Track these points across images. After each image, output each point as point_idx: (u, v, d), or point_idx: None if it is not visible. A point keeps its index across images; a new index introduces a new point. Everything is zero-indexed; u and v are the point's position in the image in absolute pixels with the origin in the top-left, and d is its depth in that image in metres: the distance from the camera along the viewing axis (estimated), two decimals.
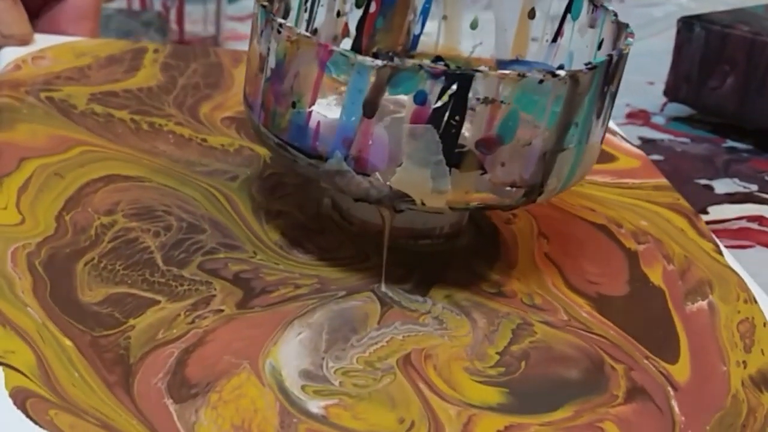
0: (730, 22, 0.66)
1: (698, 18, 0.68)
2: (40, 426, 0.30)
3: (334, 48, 0.33)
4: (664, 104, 0.71)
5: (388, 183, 0.33)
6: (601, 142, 0.37)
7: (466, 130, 0.32)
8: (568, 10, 0.42)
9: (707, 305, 0.39)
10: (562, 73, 0.33)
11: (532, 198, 0.35)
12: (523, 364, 0.36)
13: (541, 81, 0.32)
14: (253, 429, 0.32)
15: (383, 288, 0.38)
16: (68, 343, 0.34)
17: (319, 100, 0.33)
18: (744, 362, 0.36)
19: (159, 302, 0.36)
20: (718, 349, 0.37)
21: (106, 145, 0.46)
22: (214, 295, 0.37)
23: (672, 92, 0.69)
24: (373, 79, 0.32)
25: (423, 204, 0.33)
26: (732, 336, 0.37)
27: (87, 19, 0.56)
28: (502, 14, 0.44)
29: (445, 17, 0.45)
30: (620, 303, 0.39)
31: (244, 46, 0.48)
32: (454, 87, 0.31)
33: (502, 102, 0.32)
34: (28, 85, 0.49)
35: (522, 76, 0.32)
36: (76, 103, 0.48)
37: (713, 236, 0.44)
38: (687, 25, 0.68)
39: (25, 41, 0.53)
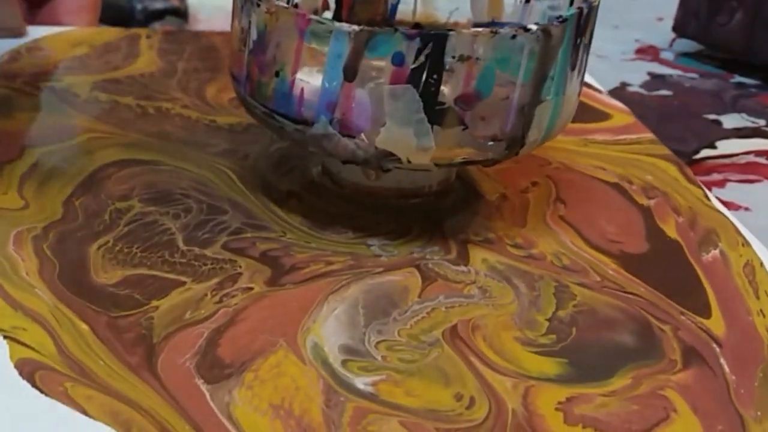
0: None
1: None
2: (51, 397, 0.28)
3: (312, 17, 0.33)
4: (673, 40, 0.71)
5: (373, 143, 0.34)
6: (579, 94, 0.38)
7: (445, 88, 0.33)
8: None
9: (719, 254, 0.39)
10: (534, 27, 0.33)
11: (515, 150, 0.35)
12: (573, 330, 0.34)
13: (513, 36, 0.33)
14: (294, 408, 0.29)
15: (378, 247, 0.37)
16: (84, 326, 0.31)
17: (301, 68, 0.34)
18: (761, 311, 0.35)
19: (184, 283, 0.34)
20: (740, 298, 0.36)
21: (113, 131, 0.43)
22: (241, 273, 0.34)
23: (681, 28, 0.69)
24: (351, 44, 0.32)
25: (409, 162, 0.34)
26: (744, 283, 0.37)
27: (86, 11, 0.54)
28: None
29: None
30: (644, 260, 0.38)
31: None
32: (430, 47, 0.32)
33: (477, 59, 0.33)
34: (26, 76, 0.47)
35: (495, 32, 0.33)
36: (79, 92, 0.46)
37: (699, 182, 0.45)
38: None
39: (18, 33, 0.51)
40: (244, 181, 0.40)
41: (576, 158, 0.45)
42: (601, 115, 0.50)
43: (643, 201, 0.42)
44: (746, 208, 0.44)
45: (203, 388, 0.29)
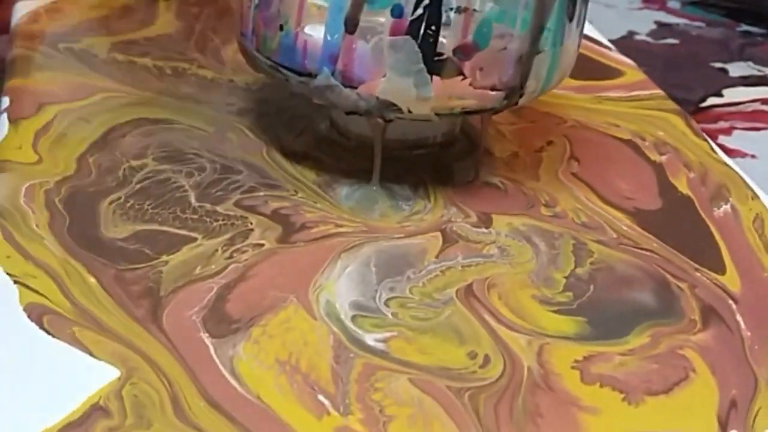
0: None
1: None
2: (60, 339, 0.28)
3: None
4: None
5: (374, 94, 0.34)
6: (578, 46, 0.38)
7: (444, 39, 0.33)
8: None
9: (730, 208, 0.39)
10: None
11: (514, 100, 0.36)
12: (591, 287, 0.33)
13: None
14: (301, 364, 0.28)
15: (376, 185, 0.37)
16: (92, 280, 0.30)
17: (305, 21, 0.34)
18: None
19: (195, 239, 0.33)
20: (752, 254, 0.36)
21: (129, 90, 0.42)
22: (252, 230, 0.34)
23: None
24: None
25: (410, 111, 0.35)
26: (755, 238, 0.37)
27: None
28: None
29: None
30: (657, 216, 0.38)
31: None
32: None
33: (474, 10, 0.33)
34: (45, 37, 0.46)
35: None
36: (97, 53, 0.45)
37: (704, 134, 0.44)
38: None
39: None
40: (260, 139, 0.40)
41: (591, 116, 0.45)
42: (614, 72, 0.50)
43: (656, 157, 0.42)
44: (752, 156, 0.45)
45: (208, 341, 0.28)
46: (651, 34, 0.60)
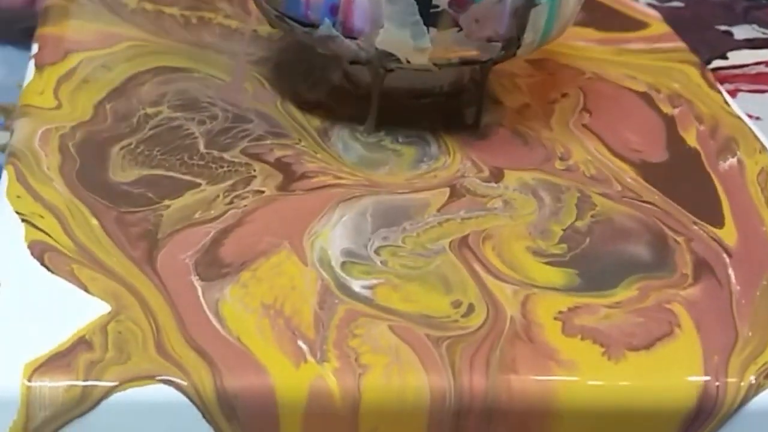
0: None
1: None
2: (58, 275, 0.29)
3: None
4: None
5: (373, 44, 0.35)
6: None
7: None
8: None
9: (736, 162, 0.39)
10: None
11: (512, 51, 0.36)
12: (587, 240, 0.33)
13: None
14: (286, 308, 0.29)
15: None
16: (94, 221, 0.32)
17: None
18: None
19: (199, 185, 0.34)
20: (753, 207, 0.36)
21: (154, 39, 0.43)
22: (254, 177, 0.35)
23: None
24: None
25: (408, 62, 0.36)
26: (757, 192, 0.37)
27: None
28: None
29: None
30: (662, 168, 0.38)
31: None
32: None
33: None
34: None
35: None
36: (128, 2, 0.46)
37: (719, 86, 0.44)
38: None
39: None
40: (274, 89, 0.40)
41: (609, 68, 0.45)
42: (638, 24, 0.49)
43: (668, 110, 0.42)
44: (757, 118, 0.44)
45: (197, 283, 0.29)
46: None
